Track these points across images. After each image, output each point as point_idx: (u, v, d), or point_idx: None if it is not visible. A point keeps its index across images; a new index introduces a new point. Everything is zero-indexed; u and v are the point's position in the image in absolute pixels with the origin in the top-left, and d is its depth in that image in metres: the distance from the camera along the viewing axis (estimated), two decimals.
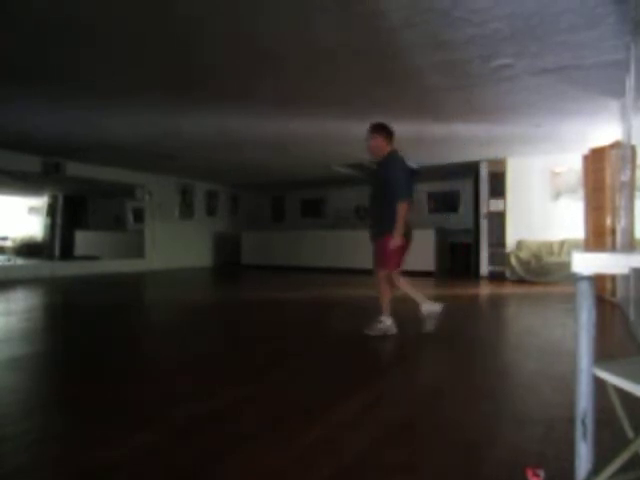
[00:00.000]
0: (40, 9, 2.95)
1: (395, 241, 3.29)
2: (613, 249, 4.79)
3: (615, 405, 1.16)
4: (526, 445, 1.64)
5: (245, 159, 8.40)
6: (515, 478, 1.41)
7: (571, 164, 7.55)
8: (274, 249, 11.19)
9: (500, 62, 3.79)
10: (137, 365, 2.82)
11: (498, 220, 8.40)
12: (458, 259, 10.32)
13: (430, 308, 3.47)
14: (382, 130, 3.52)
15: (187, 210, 11.23)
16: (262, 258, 11.40)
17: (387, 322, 3.48)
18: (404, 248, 3.48)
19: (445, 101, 4.90)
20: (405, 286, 3.56)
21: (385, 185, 3.40)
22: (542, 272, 7.41)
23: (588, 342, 1.05)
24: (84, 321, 4.39)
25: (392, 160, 3.46)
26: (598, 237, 5.35)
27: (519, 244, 8.12)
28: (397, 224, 3.28)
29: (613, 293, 5.18)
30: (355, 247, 10.00)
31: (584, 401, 1.06)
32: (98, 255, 11.00)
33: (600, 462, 1.07)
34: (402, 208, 3.29)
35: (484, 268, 8.57)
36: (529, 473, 1.37)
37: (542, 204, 8.10)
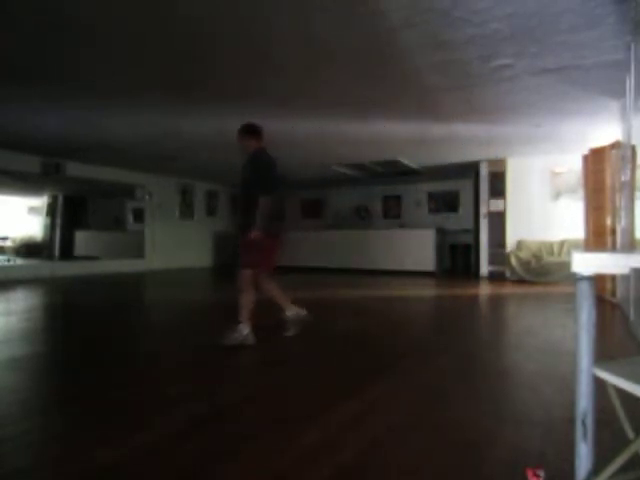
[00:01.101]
0: (40, 9, 2.95)
1: (255, 234, 3.24)
2: (613, 249, 4.79)
3: (615, 405, 1.16)
4: (526, 445, 1.64)
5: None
6: (515, 478, 1.41)
7: (571, 164, 7.55)
8: None
9: (500, 62, 3.79)
10: (137, 365, 2.82)
11: (498, 220, 8.41)
12: (458, 259, 10.32)
13: (294, 313, 3.65)
14: (246, 130, 3.57)
15: (187, 210, 11.23)
16: None
17: (244, 331, 3.25)
18: (274, 248, 3.51)
19: (445, 101, 4.90)
20: (273, 290, 3.62)
21: (247, 181, 3.46)
22: (542, 272, 7.41)
23: (588, 342, 1.05)
24: (84, 321, 4.39)
25: (255, 157, 3.53)
26: (598, 237, 5.36)
27: (519, 244, 8.12)
28: (258, 218, 3.25)
29: (613, 293, 5.18)
30: (355, 247, 10.01)
31: (584, 401, 1.06)
32: (98, 255, 11.00)
33: (600, 462, 1.07)
34: (263, 202, 3.27)
35: (484, 268, 8.57)
36: (529, 473, 1.37)
37: (542, 204, 8.10)
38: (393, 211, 11.81)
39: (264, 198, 3.29)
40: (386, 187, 11.67)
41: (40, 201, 13.26)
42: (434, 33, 3.26)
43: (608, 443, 1.36)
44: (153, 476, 1.45)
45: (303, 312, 3.70)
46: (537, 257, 7.62)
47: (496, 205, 8.47)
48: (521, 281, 7.59)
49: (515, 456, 1.55)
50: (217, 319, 4.56)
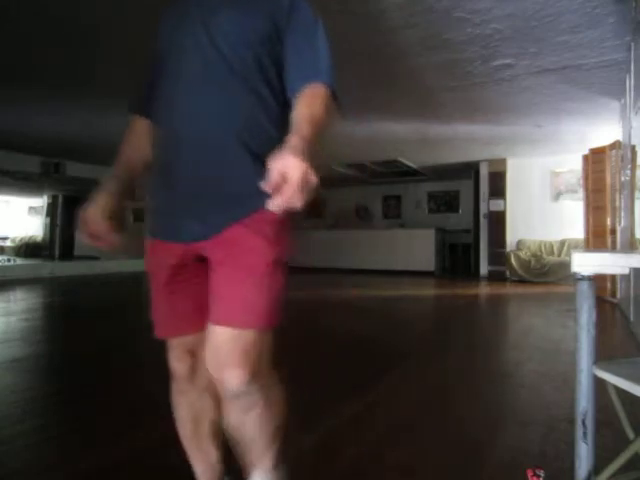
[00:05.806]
0: (40, 9, 2.95)
1: None
2: (613, 249, 4.79)
3: (615, 405, 1.16)
4: (526, 445, 1.64)
5: None
6: (515, 478, 1.41)
7: (571, 164, 7.55)
8: None
9: (500, 62, 3.79)
10: (137, 365, 2.82)
11: (498, 220, 8.41)
12: (458, 259, 10.32)
13: None
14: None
15: None
16: None
17: None
18: None
19: (446, 101, 4.90)
20: None
21: None
22: (542, 272, 7.41)
23: (588, 342, 1.05)
24: (84, 321, 4.38)
25: None
26: (598, 237, 5.35)
27: (519, 244, 8.12)
28: None
29: (613, 293, 5.18)
30: (355, 247, 10.00)
31: (584, 401, 1.06)
32: (98, 255, 10.99)
33: (600, 462, 1.07)
34: None
35: (484, 268, 8.56)
36: (529, 473, 1.37)
37: (542, 204, 8.10)
38: (393, 211, 11.81)
39: None
40: (386, 187, 11.67)
41: (40, 201, 13.26)
42: (434, 33, 3.26)
43: (608, 443, 1.36)
44: (153, 476, 1.45)
45: None
46: (537, 257, 7.62)
47: (496, 205, 8.47)
48: (521, 281, 7.59)
49: (515, 456, 1.55)
50: None
